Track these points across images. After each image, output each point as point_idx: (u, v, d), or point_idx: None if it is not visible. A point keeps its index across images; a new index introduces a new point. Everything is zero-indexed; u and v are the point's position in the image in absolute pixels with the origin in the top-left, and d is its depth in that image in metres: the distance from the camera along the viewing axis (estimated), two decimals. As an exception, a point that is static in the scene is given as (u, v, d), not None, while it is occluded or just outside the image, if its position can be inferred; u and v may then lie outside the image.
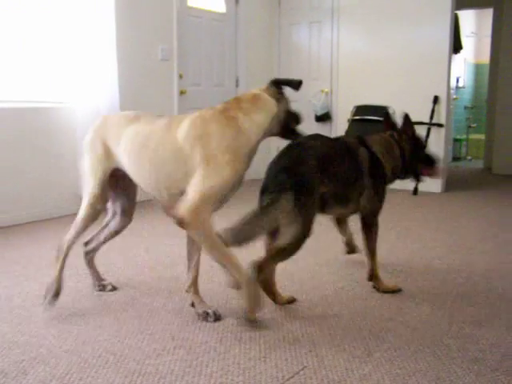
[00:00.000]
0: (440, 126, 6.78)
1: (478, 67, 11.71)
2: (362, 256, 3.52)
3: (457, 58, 10.53)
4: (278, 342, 2.59)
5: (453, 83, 10.24)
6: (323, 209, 3.06)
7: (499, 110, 8.65)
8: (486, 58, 9.89)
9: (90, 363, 2.37)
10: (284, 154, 3.11)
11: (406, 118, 3.42)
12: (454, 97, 10.56)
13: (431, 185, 6.88)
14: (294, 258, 3.95)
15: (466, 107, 11.56)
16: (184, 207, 2.59)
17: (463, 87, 11.39)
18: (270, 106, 2.96)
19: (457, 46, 9.91)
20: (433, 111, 6.75)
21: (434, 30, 6.71)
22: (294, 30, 7.75)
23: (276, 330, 2.73)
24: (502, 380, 2.26)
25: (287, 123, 3.05)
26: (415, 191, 6.70)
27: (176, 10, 6.30)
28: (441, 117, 6.81)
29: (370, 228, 3.29)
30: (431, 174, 3.60)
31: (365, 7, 7.13)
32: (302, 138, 3.15)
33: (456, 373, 2.31)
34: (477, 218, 5.39)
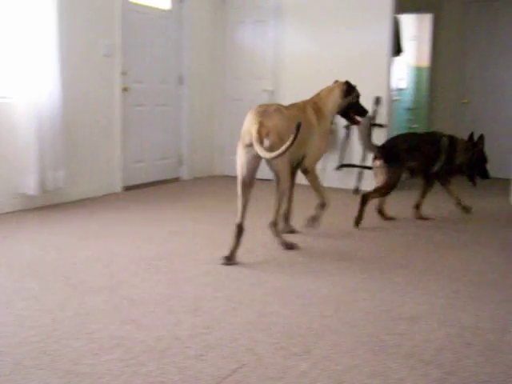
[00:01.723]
0: (381, 126, 6.90)
1: (418, 70, 11.93)
2: (309, 257, 3.55)
3: (398, 60, 10.74)
4: (216, 340, 2.59)
5: (394, 85, 10.44)
6: (412, 174, 5.23)
7: (438, 111, 8.87)
8: (426, 62, 10.11)
9: (23, 365, 2.32)
10: (390, 140, 5.46)
11: (482, 137, 5.37)
12: (396, 98, 10.76)
13: (372, 184, 6.99)
14: (236, 256, 3.96)
15: (407, 109, 11.78)
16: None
17: (404, 89, 11.61)
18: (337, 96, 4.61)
19: (398, 49, 10.11)
20: (374, 112, 6.86)
21: (375, 32, 6.83)
22: (239, 28, 7.75)
23: (215, 328, 2.73)
24: (434, 373, 2.32)
25: (347, 110, 4.69)
26: (356, 190, 6.80)
27: (119, 6, 6.21)
28: (382, 117, 6.93)
29: (444, 184, 5.42)
30: (475, 184, 5.52)
31: (308, 8, 7.19)
32: (402, 133, 5.76)
33: (391, 368, 2.36)
34: (415, 216, 5.51)
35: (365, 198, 5.00)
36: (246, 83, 7.73)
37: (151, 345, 2.53)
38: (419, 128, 7.73)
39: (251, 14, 7.62)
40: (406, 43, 11.00)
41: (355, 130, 6.92)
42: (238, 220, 3.90)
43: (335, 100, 4.58)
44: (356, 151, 7.05)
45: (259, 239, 4.44)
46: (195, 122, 7.60)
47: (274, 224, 4.16)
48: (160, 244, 4.26)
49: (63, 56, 5.46)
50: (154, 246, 4.20)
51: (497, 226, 5.19)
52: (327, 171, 7.07)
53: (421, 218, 5.40)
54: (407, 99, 11.87)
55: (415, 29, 11.75)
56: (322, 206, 4.58)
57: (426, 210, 5.52)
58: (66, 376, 2.22)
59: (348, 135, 7.04)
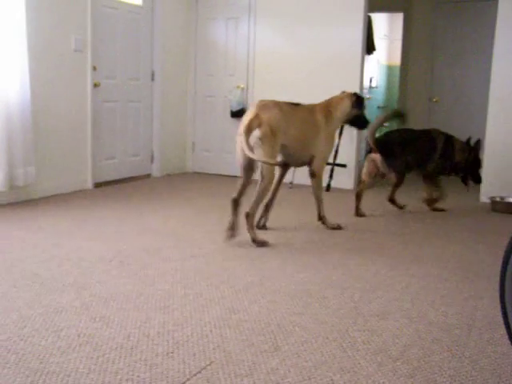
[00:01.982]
0: (352, 124, 6.93)
1: (390, 68, 12.04)
2: (279, 254, 3.56)
3: (370, 58, 10.82)
4: (186, 337, 2.58)
5: (366, 83, 10.51)
6: (407, 169, 5.43)
7: (409, 109, 8.95)
8: (397, 60, 10.19)
9: (-11, 363, 2.29)
10: (383, 135, 5.66)
11: (479, 141, 5.67)
12: (368, 96, 10.83)
13: (343, 182, 7.04)
14: (205, 253, 3.97)
15: (378, 107, 11.87)
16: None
17: (376, 87, 11.70)
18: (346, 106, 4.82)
19: (370, 47, 10.18)
20: (346, 110, 6.89)
21: (348, 30, 6.87)
22: (211, 25, 7.73)
23: (185, 325, 2.72)
24: (401, 369, 2.34)
25: (354, 119, 4.94)
26: (328, 187, 6.83)
27: (90, 1, 6.14)
28: (353, 115, 6.96)
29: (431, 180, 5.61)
30: (468, 185, 5.81)
31: (281, 5, 7.20)
32: (396, 129, 5.92)
33: (360, 364, 2.38)
34: (384, 214, 5.55)
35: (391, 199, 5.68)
36: (218, 80, 7.71)
37: (120, 342, 2.51)
38: (390, 127, 7.78)
39: (224, 11, 7.61)
40: (378, 42, 11.10)
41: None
42: (233, 195, 4.30)
43: (345, 108, 4.82)
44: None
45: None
46: (167, 119, 7.56)
47: (248, 215, 4.20)
48: (130, 241, 4.23)
49: (32, 51, 5.39)
50: (124, 243, 4.17)
51: (466, 223, 5.25)
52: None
53: (436, 209, 5.73)
54: (379, 97, 11.97)
55: (387, 28, 11.86)
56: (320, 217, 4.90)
57: (398, 204, 5.57)
58: (32, 375, 2.20)
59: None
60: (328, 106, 4.77)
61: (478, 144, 5.67)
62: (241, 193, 4.30)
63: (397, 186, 5.53)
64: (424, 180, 5.69)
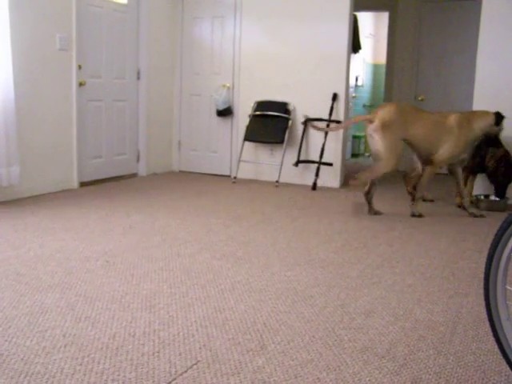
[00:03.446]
0: (339, 122, 6.95)
1: (375, 67, 12.10)
2: (266, 253, 3.55)
3: (356, 57, 10.85)
4: (171, 337, 2.57)
5: (352, 82, 10.54)
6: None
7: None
8: (382, 59, 10.23)
9: (-27, 364, 2.27)
10: None
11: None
12: (353, 95, 10.87)
13: (329, 180, 7.06)
14: (191, 252, 3.96)
15: (364, 105, 11.91)
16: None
17: (362, 86, 11.74)
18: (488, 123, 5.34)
19: (356, 46, 10.22)
20: (332, 108, 6.91)
21: (334, 29, 6.87)
22: (197, 23, 7.71)
23: (170, 324, 2.71)
24: (387, 367, 2.35)
25: (491, 138, 5.48)
26: (314, 186, 6.84)
27: (75, -1, 6.11)
28: (339, 114, 6.99)
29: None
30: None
31: (267, 4, 7.19)
32: None
33: (346, 362, 2.39)
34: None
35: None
36: (204, 78, 7.70)
37: (105, 342, 2.50)
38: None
39: (210, 10, 7.59)
40: (364, 41, 11.14)
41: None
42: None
43: (488, 123, 5.32)
44: (313, 147, 7.10)
45: (216, 236, 4.44)
46: (153, 118, 7.54)
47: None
48: (116, 240, 4.21)
49: (16, 50, 5.35)
50: (110, 242, 4.16)
51: (453, 221, 5.28)
52: (285, 167, 7.11)
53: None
54: (365, 96, 12.01)
55: (372, 26, 11.90)
56: (420, 198, 5.53)
57: (381, 207, 5.59)
58: (17, 376, 2.18)
59: (305, 131, 7.08)
60: (469, 117, 5.32)
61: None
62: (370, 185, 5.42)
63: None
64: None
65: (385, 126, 5.09)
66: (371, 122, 5.18)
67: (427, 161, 5.38)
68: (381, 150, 5.14)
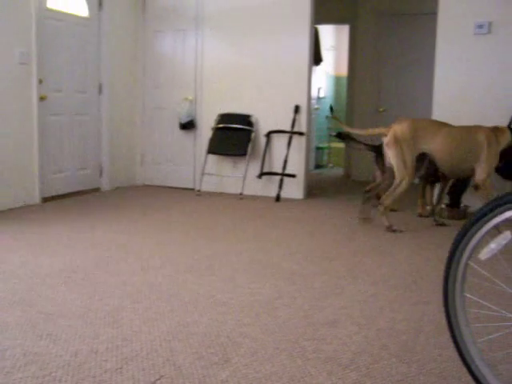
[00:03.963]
0: (301, 134, 7.01)
1: (337, 79, 12.24)
2: (230, 265, 3.54)
3: (318, 69, 10.96)
4: (135, 352, 2.55)
5: (314, 94, 10.63)
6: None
7: (356, 119, 9.11)
8: (344, 71, 10.35)
9: None
10: None
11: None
12: (316, 107, 10.97)
13: (293, 192, 7.09)
14: (154, 266, 3.94)
15: (327, 117, 12.02)
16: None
17: (324, 98, 11.85)
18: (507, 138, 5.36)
19: (317, 59, 10.33)
20: (294, 120, 6.97)
21: (295, 42, 6.94)
22: (159, 37, 7.70)
23: (134, 340, 2.69)
24: (352, 376, 2.37)
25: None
26: (278, 198, 6.87)
27: (34, 12, 6.04)
28: (302, 125, 7.04)
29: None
30: None
31: (228, 17, 7.23)
32: None
33: (310, 373, 2.39)
34: (334, 223, 5.62)
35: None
36: (166, 92, 7.68)
37: (67, 359, 2.46)
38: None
39: (171, 23, 7.59)
40: (325, 53, 11.27)
41: (275, 138, 7.04)
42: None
43: (508, 138, 5.33)
44: (276, 159, 7.13)
45: (180, 249, 4.43)
46: (115, 131, 7.49)
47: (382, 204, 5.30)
48: (78, 256, 4.16)
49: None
50: (72, 258, 4.11)
51: (416, 229, 5.35)
52: (248, 180, 7.12)
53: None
54: (327, 108, 12.11)
55: (333, 39, 12.05)
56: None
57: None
58: (-25, 396, 2.14)
59: (268, 143, 7.11)
60: (495, 131, 5.32)
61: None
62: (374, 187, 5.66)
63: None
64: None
65: (397, 142, 5.15)
66: (385, 135, 5.25)
67: (474, 186, 5.36)
68: (393, 164, 5.21)
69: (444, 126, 5.30)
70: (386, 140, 5.24)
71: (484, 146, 5.23)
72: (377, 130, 5.41)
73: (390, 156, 5.21)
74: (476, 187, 5.32)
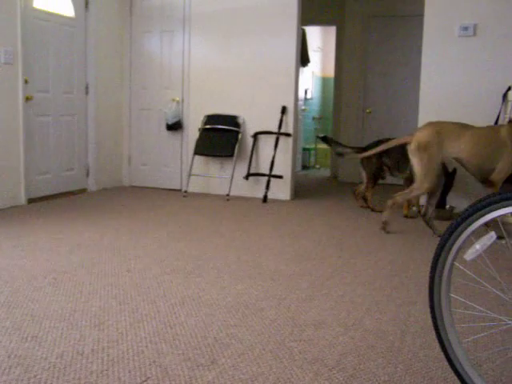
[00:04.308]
0: (288, 135, 7.02)
1: (324, 80, 12.27)
2: (216, 267, 3.54)
3: (305, 70, 10.99)
4: (121, 354, 2.54)
5: (301, 95, 10.66)
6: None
7: (343, 120, 9.14)
8: (331, 72, 10.38)
9: None
10: None
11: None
12: (303, 108, 10.99)
13: (279, 193, 7.10)
14: (140, 267, 3.93)
15: (314, 118, 12.05)
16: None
17: (311, 99, 11.88)
18: None
19: (304, 60, 10.35)
20: (281, 121, 6.97)
21: (282, 43, 6.95)
22: (146, 38, 7.68)
23: (120, 341, 2.68)
24: (337, 377, 2.37)
25: None
26: (265, 199, 6.87)
27: (20, 12, 6.00)
28: (289, 127, 7.05)
29: None
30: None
31: (216, 18, 7.23)
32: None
33: (296, 374, 2.39)
34: (321, 224, 5.63)
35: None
36: (153, 93, 7.66)
37: (53, 362, 2.45)
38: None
39: (158, 24, 7.57)
40: (312, 54, 11.29)
41: (262, 139, 7.05)
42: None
43: None
44: (263, 160, 7.14)
45: (166, 250, 4.41)
46: (102, 132, 7.46)
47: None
48: (64, 257, 4.14)
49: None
50: (58, 259, 4.08)
51: (403, 230, 5.37)
52: (235, 181, 7.12)
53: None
54: (314, 109, 12.16)
55: (320, 40, 12.08)
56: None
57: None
58: (-41, 399, 2.12)
59: (255, 144, 7.11)
60: None
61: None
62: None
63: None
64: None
65: (420, 149, 5.09)
66: (409, 143, 5.19)
67: (485, 182, 5.28)
68: (415, 170, 5.17)
69: (467, 128, 5.20)
70: (409, 148, 5.17)
71: (507, 143, 5.15)
72: (402, 140, 5.33)
73: (414, 163, 5.15)
74: (490, 184, 5.21)
